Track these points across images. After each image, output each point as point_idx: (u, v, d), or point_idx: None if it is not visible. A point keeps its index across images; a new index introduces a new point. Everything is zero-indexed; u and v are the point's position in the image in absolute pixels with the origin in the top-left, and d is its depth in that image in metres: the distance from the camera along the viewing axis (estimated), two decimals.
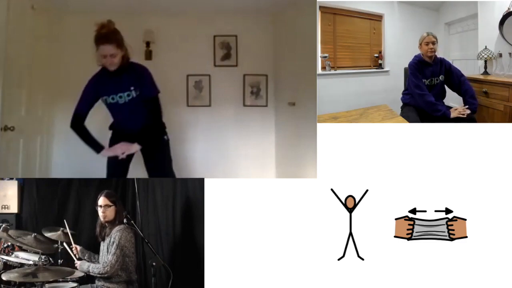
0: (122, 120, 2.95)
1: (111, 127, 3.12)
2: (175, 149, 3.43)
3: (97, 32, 2.68)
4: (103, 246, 2.80)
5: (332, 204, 2.71)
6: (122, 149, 2.85)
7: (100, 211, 2.78)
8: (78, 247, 2.88)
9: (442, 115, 3.16)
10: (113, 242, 2.68)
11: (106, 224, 2.79)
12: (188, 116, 3.78)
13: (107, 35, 2.68)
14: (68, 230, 2.88)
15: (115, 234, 2.71)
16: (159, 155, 3.07)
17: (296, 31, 3.51)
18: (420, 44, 3.33)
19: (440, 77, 3.34)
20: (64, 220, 2.94)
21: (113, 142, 3.04)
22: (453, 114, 3.14)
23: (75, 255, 2.83)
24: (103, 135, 3.10)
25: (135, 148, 2.86)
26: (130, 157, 3.01)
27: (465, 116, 3.13)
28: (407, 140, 2.74)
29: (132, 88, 2.83)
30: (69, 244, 2.89)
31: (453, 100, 3.90)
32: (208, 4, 3.73)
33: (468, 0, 3.29)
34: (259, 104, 4.09)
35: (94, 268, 2.68)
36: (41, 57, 3.63)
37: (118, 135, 3.03)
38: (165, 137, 3.08)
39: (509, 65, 3.43)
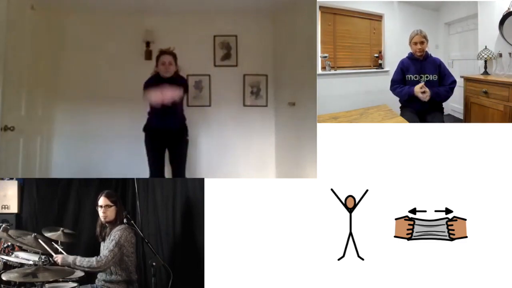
0: (161, 115, 3.43)
1: (145, 129, 3.49)
2: None
3: (161, 50, 3.43)
4: (103, 246, 2.80)
5: (332, 204, 2.71)
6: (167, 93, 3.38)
7: (100, 211, 2.77)
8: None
9: (406, 93, 3.26)
10: (112, 240, 2.68)
11: (107, 224, 2.79)
12: (188, 116, 3.77)
13: (168, 51, 3.40)
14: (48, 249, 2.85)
15: (116, 232, 2.71)
16: (181, 152, 3.53)
17: (296, 31, 3.51)
18: (410, 43, 3.34)
19: (432, 76, 3.32)
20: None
21: (148, 142, 3.48)
22: (416, 90, 3.22)
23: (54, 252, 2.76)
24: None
25: (180, 92, 3.41)
26: (163, 157, 3.49)
27: (424, 96, 3.19)
28: (407, 140, 2.74)
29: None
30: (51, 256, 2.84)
31: (454, 101, 3.91)
32: (208, 4, 3.73)
33: (468, 0, 3.29)
34: (259, 104, 4.09)
35: (83, 261, 2.62)
36: (41, 57, 3.63)
37: (153, 134, 3.47)
38: (187, 137, 3.58)
39: (509, 65, 3.42)
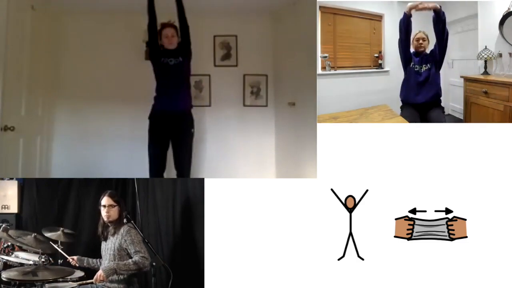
0: (168, 96, 3.40)
1: (150, 116, 3.40)
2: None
3: (162, 23, 3.43)
4: (105, 245, 2.80)
5: (332, 204, 2.71)
6: None
7: (103, 211, 2.77)
8: (75, 257, 2.87)
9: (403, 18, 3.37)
10: (133, 240, 2.68)
11: (109, 224, 2.79)
12: None
13: (170, 23, 3.43)
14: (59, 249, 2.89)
15: (127, 234, 2.70)
16: (185, 144, 3.43)
17: (296, 31, 3.51)
18: (412, 40, 3.47)
19: (428, 65, 3.46)
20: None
21: (152, 131, 3.39)
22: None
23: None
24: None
25: None
26: (166, 152, 3.40)
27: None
28: (407, 140, 2.74)
29: (180, 57, 3.43)
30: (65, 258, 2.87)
31: (454, 101, 3.91)
32: (208, 4, 3.73)
33: (468, 0, 3.30)
34: (259, 104, 4.09)
35: (129, 265, 2.62)
36: (41, 57, 3.63)
37: (157, 120, 3.39)
38: (192, 130, 3.48)
39: (509, 65, 3.43)
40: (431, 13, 3.61)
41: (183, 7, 3.36)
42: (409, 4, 3.30)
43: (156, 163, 3.37)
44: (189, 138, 3.45)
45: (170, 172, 3.47)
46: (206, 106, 4.04)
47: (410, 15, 3.34)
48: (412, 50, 3.49)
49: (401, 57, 3.53)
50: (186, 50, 3.43)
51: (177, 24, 3.41)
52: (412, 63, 3.47)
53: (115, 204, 2.78)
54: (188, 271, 2.88)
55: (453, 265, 2.66)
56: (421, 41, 3.43)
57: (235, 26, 4.03)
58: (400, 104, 3.55)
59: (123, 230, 2.73)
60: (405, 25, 3.39)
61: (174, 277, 2.66)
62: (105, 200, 2.78)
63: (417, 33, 3.46)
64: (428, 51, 3.48)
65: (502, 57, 3.48)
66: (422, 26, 3.53)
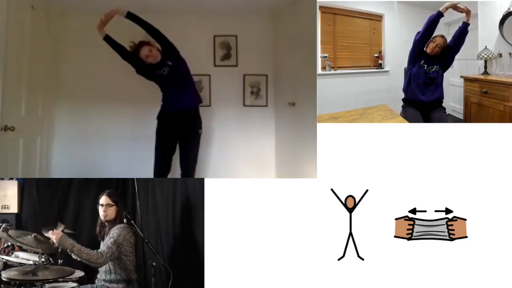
0: (175, 96, 3.41)
1: (158, 116, 3.45)
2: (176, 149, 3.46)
3: (131, 47, 3.44)
4: (102, 245, 2.80)
5: (332, 204, 2.71)
6: None
7: (101, 210, 2.78)
8: (59, 231, 2.80)
9: (436, 16, 3.27)
10: (111, 237, 2.69)
11: (106, 223, 2.79)
12: None
13: (139, 43, 3.43)
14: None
15: (114, 231, 2.72)
16: (192, 145, 3.44)
17: (296, 31, 3.51)
18: (430, 41, 3.40)
19: (436, 66, 3.41)
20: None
21: (159, 131, 3.43)
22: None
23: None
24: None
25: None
26: (172, 153, 3.43)
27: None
28: (407, 140, 2.74)
29: (169, 62, 3.40)
30: None
31: (454, 101, 3.91)
32: (208, 4, 3.73)
33: (468, 0, 3.30)
34: (259, 104, 4.09)
35: (82, 252, 2.58)
36: (41, 57, 3.63)
37: (165, 120, 3.43)
38: (200, 131, 3.49)
39: (509, 65, 3.43)
40: (428, 12, 3.62)
41: (137, 16, 3.32)
42: (447, 3, 3.21)
43: (162, 164, 3.38)
44: (196, 138, 3.46)
45: (172, 171, 3.47)
46: (206, 106, 4.04)
47: (443, 15, 3.25)
48: (425, 49, 3.44)
49: (412, 51, 3.45)
50: (171, 52, 3.40)
51: (146, 37, 3.37)
52: (422, 61, 3.41)
53: (113, 203, 2.78)
54: (188, 271, 2.89)
55: (453, 265, 2.66)
56: (437, 48, 3.35)
57: (235, 26, 4.03)
58: (401, 103, 3.56)
59: (115, 227, 2.74)
60: (433, 22, 3.29)
61: (174, 277, 2.66)
62: (103, 199, 2.79)
63: (437, 36, 3.37)
64: None
65: (502, 57, 3.49)
66: (419, 23, 3.53)
